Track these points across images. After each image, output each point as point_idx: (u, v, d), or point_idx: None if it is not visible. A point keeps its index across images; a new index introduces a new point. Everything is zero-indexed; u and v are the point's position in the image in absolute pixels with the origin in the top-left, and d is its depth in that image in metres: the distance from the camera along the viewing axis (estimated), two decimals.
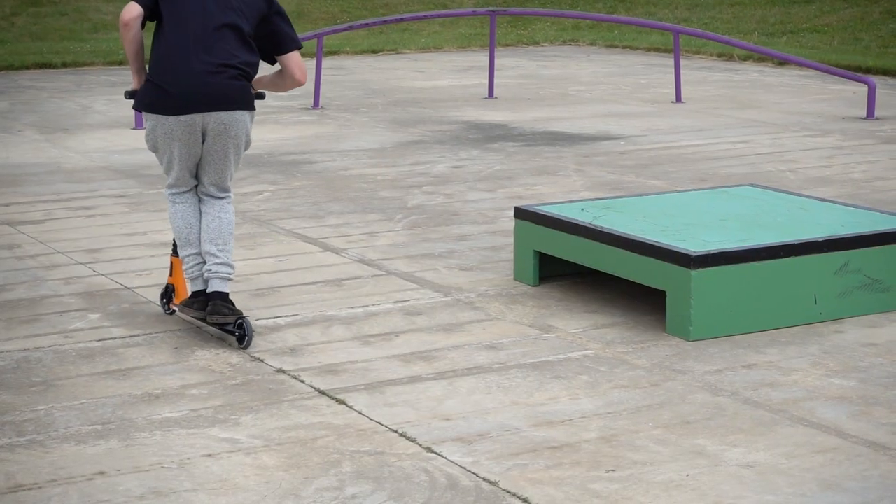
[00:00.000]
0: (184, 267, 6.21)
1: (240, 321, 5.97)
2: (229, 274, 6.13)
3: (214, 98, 5.98)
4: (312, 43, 17.52)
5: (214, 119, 6.00)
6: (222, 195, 6.22)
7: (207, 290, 6.11)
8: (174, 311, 6.40)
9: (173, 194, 6.22)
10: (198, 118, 5.98)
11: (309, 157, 10.99)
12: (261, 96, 6.20)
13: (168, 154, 6.09)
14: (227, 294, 6.09)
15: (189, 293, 6.28)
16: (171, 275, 6.39)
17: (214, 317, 6.01)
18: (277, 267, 7.43)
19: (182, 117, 5.96)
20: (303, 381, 5.56)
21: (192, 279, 6.18)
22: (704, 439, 4.90)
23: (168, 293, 6.42)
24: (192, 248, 6.17)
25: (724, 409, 5.21)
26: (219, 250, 6.12)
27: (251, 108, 6.09)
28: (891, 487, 4.47)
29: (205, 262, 6.14)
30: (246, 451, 4.82)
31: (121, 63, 17.98)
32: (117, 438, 4.94)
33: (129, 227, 8.45)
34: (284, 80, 6.25)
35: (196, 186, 6.24)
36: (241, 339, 5.96)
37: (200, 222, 6.19)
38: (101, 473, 4.62)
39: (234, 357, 5.88)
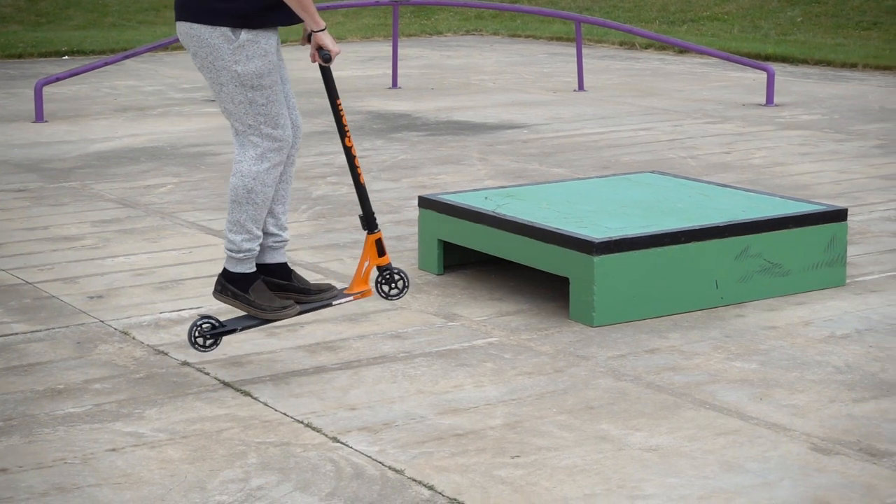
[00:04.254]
0: None
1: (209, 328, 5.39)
2: (228, 250, 5.35)
3: (178, 4, 5.20)
4: None
5: (178, 30, 5.22)
6: (240, 147, 5.29)
7: None
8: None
9: None
10: (177, 28, 5.23)
11: (213, 149, 10.93)
12: (326, 62, 5.39)
13: None
14: (229, 272, 5.36)
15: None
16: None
17: (214, 294, 5.45)
18: (181, 259, 7.38)
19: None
20: (207, 374, 5.54)
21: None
22: (608, 424, 4.95)
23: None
24: None
25: (627, 394, 5.26)
26: (226, 220, 5.36)
27: (209, 21, 5.08)
28: (791, 468, 4.54)
29: None
30: (150, 444, 4.79)
31: (20, 56, 17.76)
32: (19, 435, 4.89)
33: (30, 221, 8.35)
34: None
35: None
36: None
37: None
38: (3, 471, 4.57)
39: (137, 351, 5.84)
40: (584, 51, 16.74)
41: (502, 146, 11.01)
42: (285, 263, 5.52)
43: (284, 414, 5.08)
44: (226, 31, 5.09)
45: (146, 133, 11.81)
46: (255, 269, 5.42)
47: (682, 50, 17.71)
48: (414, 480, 4.46)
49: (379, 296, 5.63)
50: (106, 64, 13.73)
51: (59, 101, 13.80)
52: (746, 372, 5.52)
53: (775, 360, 5.65)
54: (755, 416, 5.01)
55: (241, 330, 5.47)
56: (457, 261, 7.08)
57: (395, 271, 5.58)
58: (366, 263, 5.52)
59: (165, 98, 14.19)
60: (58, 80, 12.93)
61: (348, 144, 5.47)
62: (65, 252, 7.54)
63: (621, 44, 19.08)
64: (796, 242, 6.60)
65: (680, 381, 5.40)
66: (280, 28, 5.31)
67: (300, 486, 4.43)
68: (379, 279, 5.57)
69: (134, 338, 6.02)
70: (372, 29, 21.00)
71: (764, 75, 14.08)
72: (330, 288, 5.56)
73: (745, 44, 18.10)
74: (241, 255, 5.34)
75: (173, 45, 17.12)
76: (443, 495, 4.34)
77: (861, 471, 4.50)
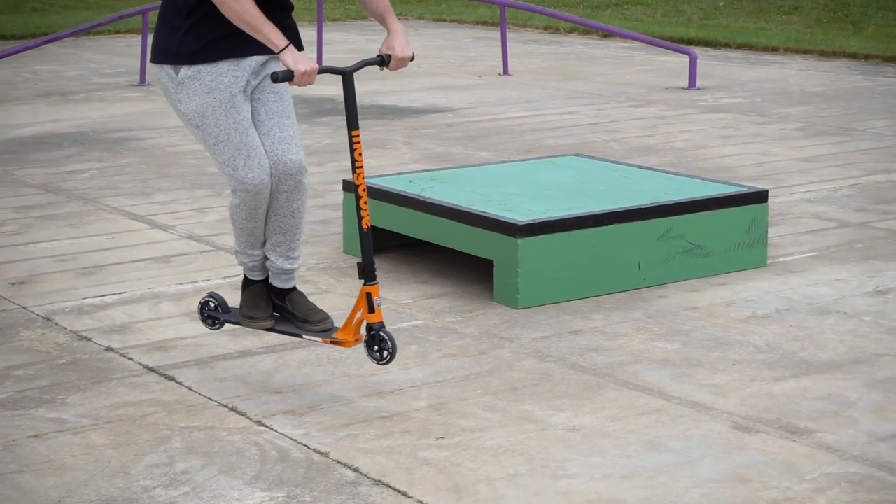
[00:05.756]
0: None
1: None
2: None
3: None
4: (138, 19, 17.30)
5: None
6: None
7: None
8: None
9: None
10: None
11: (136, 134, 10.86)
12: (287, 76, 4.96)
13: None
14: (246, 278, 5.22)
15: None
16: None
17: None
18: (104, 245, 7.34)
19: None
20: (131, 359, 5.51)
21: None
22: (532, 405, 4.98)
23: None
24: None
25: (550, 375, 5.30)
26: None
27: (156, 59, 4.89)
28: (712, 446, 4.59)
29: None
30: (74, 430, 4.77)
31: None
32: None
33: None
34: None
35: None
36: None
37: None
38: None
39: (60, 336, 5.80)
40: (509, 35, 16.77)
41: (427, 130, 11.02)
42: (290, 289, 5.18)
43: (209, 398, 5.07)
44: (168, 69, 4.86)
45: (68, 118, 11.71)
46: (256, 279, 5.18)
47: (606, 34, 17.79)
48: (339, 463, 4.47)
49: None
50: (27, 48, 13.59)
51: None
52: (668, 352, 5.57)
53: (697, 341, 5.71)
54: (677, 396, 5.06)
55: (222, 321, 5.31)
56: (382, 244, 7.08)
57: (382, 338, 4.87)
58: (357, 314, 4.94)
59: (88, 83, 14.07)
60: None
61: (357, 183, 4.83)
62: None
63: (545, 28, 19.14)
64: (718, 224, 6.66)
65: (603, 362, 5.44)
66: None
67: (225, 469, 4.43)
68: (367, 337, 4.94)
69: (57, 324, 5.98)
70: (296, 14, 20.81)
71: (687, 59, 14.17)
72: (320, 321, 5.10)
73: (668, 28, 18.22)
74: (236, 261, 5.28)
75: (95, 30, 16.99)
76: (368, 477, 4.35)
77: (781, 448, 4.56)
